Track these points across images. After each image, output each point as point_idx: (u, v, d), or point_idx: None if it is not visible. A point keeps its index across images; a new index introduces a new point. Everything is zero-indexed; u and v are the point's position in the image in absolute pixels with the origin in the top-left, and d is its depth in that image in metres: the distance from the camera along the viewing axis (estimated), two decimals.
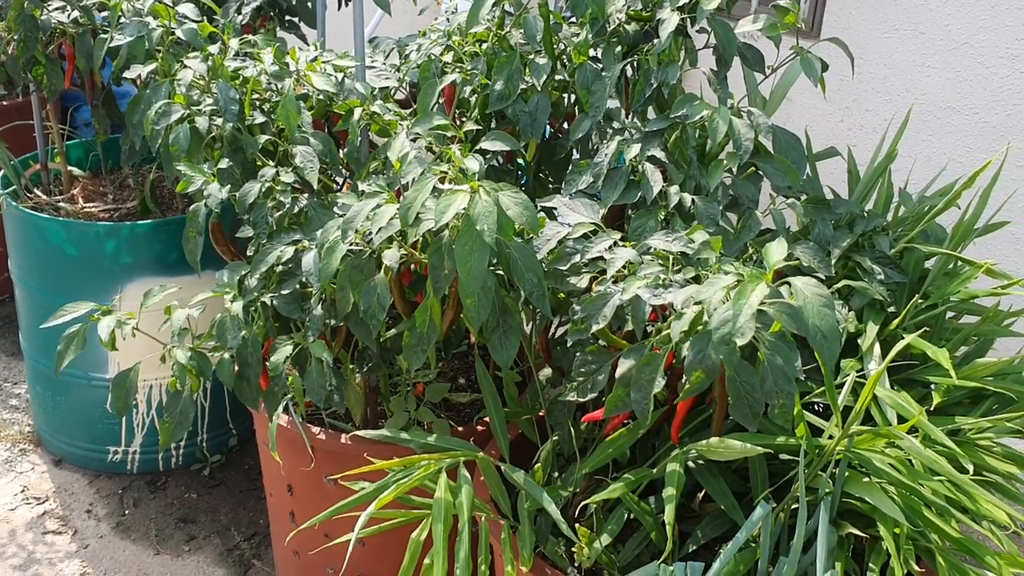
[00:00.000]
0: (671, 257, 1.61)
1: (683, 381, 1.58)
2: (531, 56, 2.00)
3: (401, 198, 1.66)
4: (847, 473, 1.55)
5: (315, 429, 2.23)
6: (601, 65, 1.96)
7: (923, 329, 1.63)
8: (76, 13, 2.51)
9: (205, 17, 2.43)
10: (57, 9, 2.52)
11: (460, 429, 2.28)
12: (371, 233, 1.67)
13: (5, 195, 2.89)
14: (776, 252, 1.39)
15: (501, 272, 1.71)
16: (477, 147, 1.84)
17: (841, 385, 1.61)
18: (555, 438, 1.93)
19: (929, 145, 3.15)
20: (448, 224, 1.55)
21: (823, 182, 2.09)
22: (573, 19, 2.09)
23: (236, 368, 1.93)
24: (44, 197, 3.05)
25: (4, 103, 3.80)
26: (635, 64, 2.00)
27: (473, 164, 1.61)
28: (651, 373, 1.51)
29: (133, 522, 2.94)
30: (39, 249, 2.83)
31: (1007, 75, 2.91)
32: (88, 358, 2.89)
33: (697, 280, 1.55)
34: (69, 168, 3.14)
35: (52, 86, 2.60)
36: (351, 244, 1.72)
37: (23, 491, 3.04)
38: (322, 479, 2.26)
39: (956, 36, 3.02)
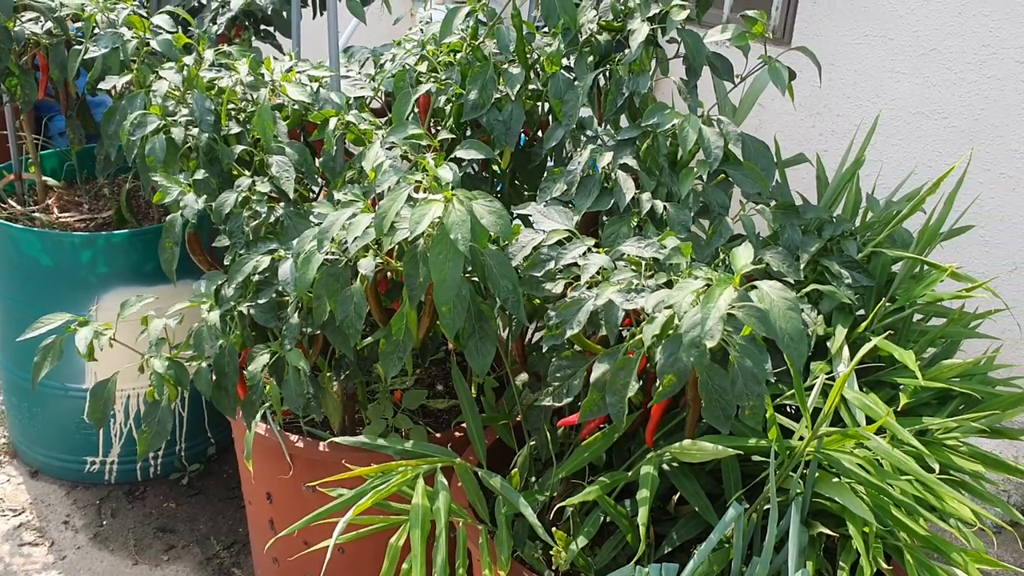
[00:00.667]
0: (643, 263, 1.63)
1: (657, 385, 1.61)
2: (505, 66, 2.02)
3: (376, 207, 1.68)
4: (817, 474, 1.58)
5: (293, 437, 2.24)
6: (574, 75, 1.99)
7: (889, 332, 1.66)
8: (50, 24, 2.50)
9: (180, 28, 2.43)
10: (30, 20, 2.52)
11: (438, 435, 2.29)
12: (347, 242, 1.68)
13: None
14: (743, 257, 1.42)
15: (476, 279, 1.73)
16: (452, 156, 1.86)
17: (811, 387, 1.64)
18: (532, 443, 1.95)
19: (899, 150, 3.20)
20: (423, 232, 1.57)
21: (794, 187, 2.13)
22: (546, 29, 2.12)
23: (214, 377, 1.94)
24: (18, 207, 3.04)
25: None
26: (607, 74, 2.02)
27: (447, 173, 1.63)
28: (625, 377, 1.53)
29: (111, 533, 2.93)
30: (13, 260, 2.82)
31: (974, 80, 2.96)
32: (64, 369, 2.88)
33: (669, 285, 1.57)
34: (44, 178, 3.13)
35: (26, 97, 2.60)
36: (327, 253, 1.74)
37: None
38: (301, 487, 2.27)
39: (925, 42, 3.08)
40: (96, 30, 2.34)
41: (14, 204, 3.06)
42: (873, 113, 3.26)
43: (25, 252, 2.78)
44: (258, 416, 2.00)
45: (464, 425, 2.28)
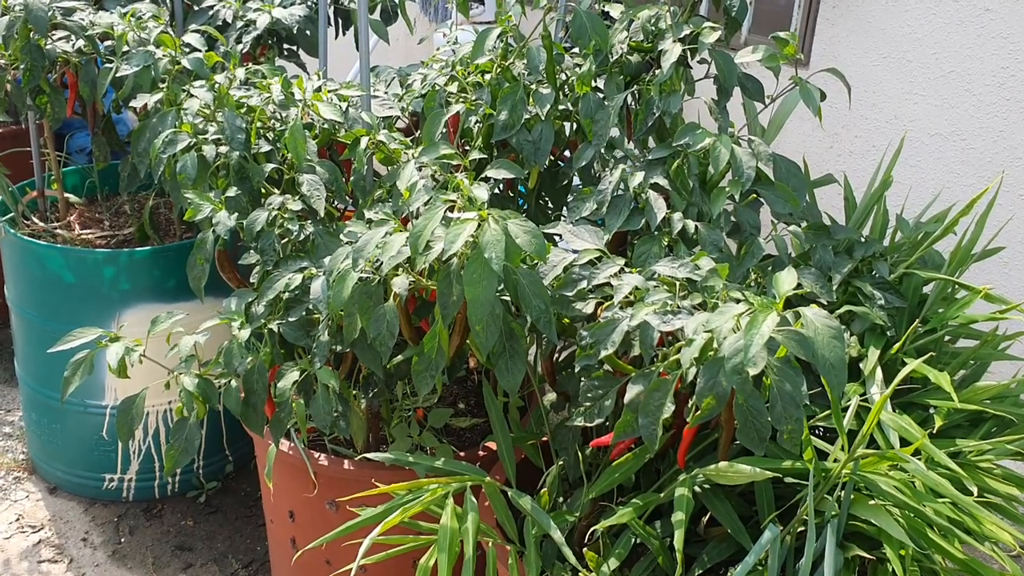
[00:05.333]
0: (677, 283, 1.63)
1: (689, 406, 1.61)
2: (534, 86, 2.03)
3: (410, 226, 1.68)
4: (853, 496, 1.57)
5: (318, 455, 2.24)
6: (603, 95, 2.00)
7: (929, 355, 1.66)
8: (80, 43, 2.52)
9: (207, 46, 2.45)
10: (61, 39, 2.53)
11: (462, 454, 2.29)
12: (380, 261, 1.69)
13: (3, 222, 2.89)
14: (786, 282, 1.42)
15: (507, 298, 1.73)
16: (482, 175, 1.86)
17: (845, 409, 1.63)
18: (560, 463, 1.95)
19: (917, 171, 3.20)
20: (457, 251, 1.57)
21: (818, 207, 2.13)
22: (574, 50, 2.13)
23: (242, 395, 1.94)
24: (41, 224, 3.05)
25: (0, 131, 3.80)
26: (636, 94, 2.03)
27: (482, 193, 1.64)
28: (660, 399, 1.53)
29: (129, 550, 2.92)
30: (37, 276, 2.83)
31: (993, 102, 2.97)
32: (85, 385, 2.88)
33: (704, 306, 1.57)
34: (65, 195, 3.15)
35: (55, 114, 2.61)
36: (361, 272, 1.74)
37: (18, 520, 3.02)
38: (324, 505, 2.27)
39: (943, 64, 3.09)
40: (127, 48, 2.35)
41: (37, 221, 3.07)
42: (891, 134, 3.27)
43: (48, 268, 2.79)
44: (284, 434, 2.00)
45: (489, 444, 2.28)
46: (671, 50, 1.87)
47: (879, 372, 1.71)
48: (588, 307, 1.77)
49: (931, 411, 1.76)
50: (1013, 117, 2.93)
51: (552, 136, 2.01)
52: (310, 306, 1.89)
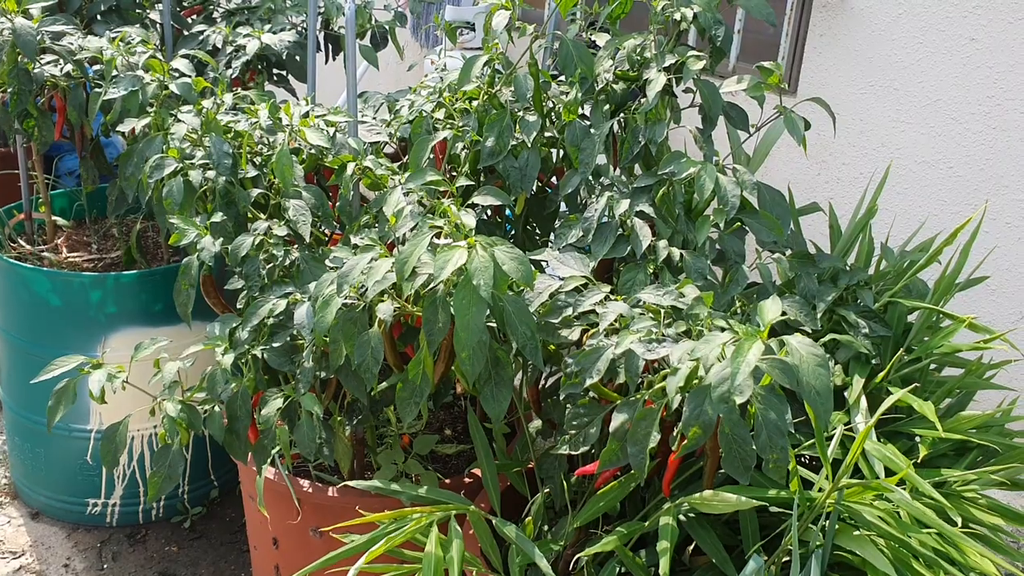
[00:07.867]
0: (662, 311, 1.63)
1: (675, 434, 1.60)
2: (521, 113, 2.04)
3: (396, 252, 1.68)
4: (837, 526, 1.57)
5: (302, 482, 2.22)
6: (589, 123, 2.01)
7: (914, 385, 1.66)
8: (69, 67, 2.52)
9: (196, 71, 2.45)
10: (50, 63, 2.53)
11: (447, 481, 2.27)
12: (365, 287, 1.68)
13: None
14: (771, 310, 1.42)
15: (493, 324, 1.73)
16: (469, 201, 1.87)
17: (830, 438, 1.63)
18: (546, 491, 1.94)
19: (904, 199, 3.22)
20: (445, 278, 1.57)
21: (803, 235, 2.14)
22: (561, 77, 2.14)
23: (225, 421, 1.93)
24: (28, 247, 3.04)
25: None
26: (622, 122, 2.04)
27: (469, 220, 1.64)
28: (647, 427, 1.53)
29: None
30: (23, 299, 2.82)
31: (980, 131, 2.99)
32: (70, 409, 2.85)
33: (689, 334, 1.57)
34: (53, 218, 3.14)
35: (43, 138, 2.61)
36: (346, 297, 1.74)
37: None
38: (308, 532, 2.25)
39: (930, 93, 3.11)
40: (115, 73, 2.36)
41: (24, 243, 3.06)
42: (878, 162, 3.29)
43: (34, 291, 2.78)
44: (268, 461, 1.99)
45: (475, 471, 2.27)
46: (656, 79, 1.88)
47: (863, 401, 1.71)
48: (574, 334, 1.77)
49: (916, 440, 1.76)
50: (999, 146, 2.95)
51: (538, 163, 2.02)
52: (294, 332, 1.89)
